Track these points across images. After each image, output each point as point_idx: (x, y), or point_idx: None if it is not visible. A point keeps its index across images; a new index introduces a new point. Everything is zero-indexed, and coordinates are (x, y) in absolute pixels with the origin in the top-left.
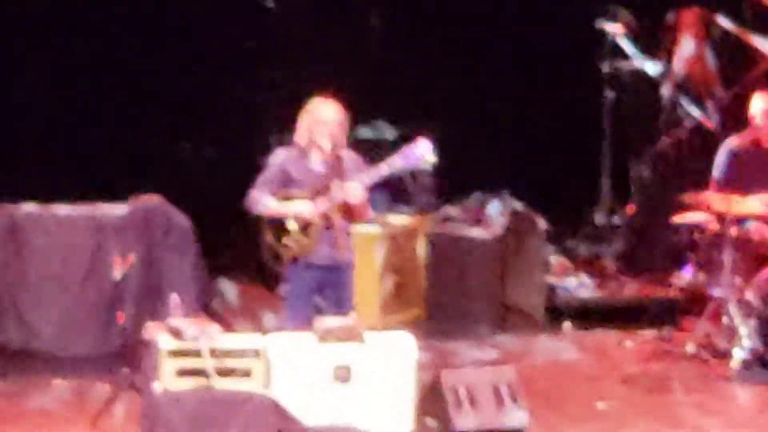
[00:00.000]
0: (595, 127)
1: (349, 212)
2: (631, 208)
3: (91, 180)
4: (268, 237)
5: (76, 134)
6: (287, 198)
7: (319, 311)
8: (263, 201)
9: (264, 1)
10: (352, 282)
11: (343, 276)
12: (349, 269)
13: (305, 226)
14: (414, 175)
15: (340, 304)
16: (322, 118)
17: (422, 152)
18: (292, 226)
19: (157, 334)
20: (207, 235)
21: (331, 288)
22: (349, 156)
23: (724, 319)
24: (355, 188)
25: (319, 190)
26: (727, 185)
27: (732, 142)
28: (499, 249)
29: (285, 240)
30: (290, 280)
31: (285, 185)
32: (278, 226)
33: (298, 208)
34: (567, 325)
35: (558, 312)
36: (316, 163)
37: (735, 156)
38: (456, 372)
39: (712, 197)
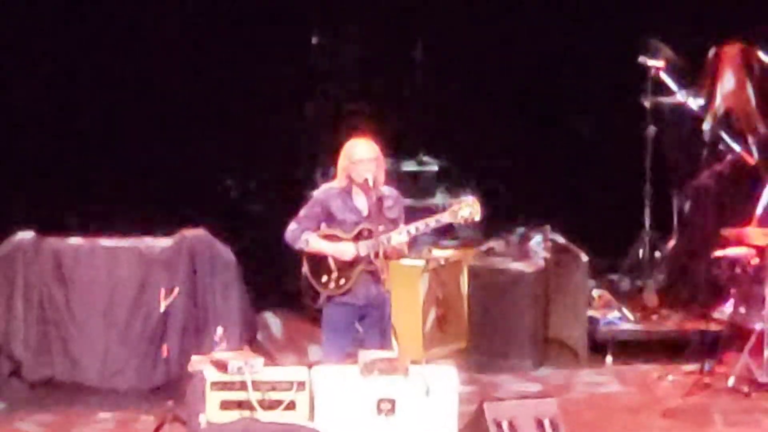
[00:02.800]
0: (637, 162)
1: (390, 255)
2: (672, 242)
3: (137, 213)
4: (306, 274)
5: (122, 168)
6: (329, 237)
7: (359, 342)
8: (304, 237)
9: (310, 37)
10: (390, 313)
11: (381, 308)
12: (387, 303)
13: (345, 268)
14: None
15: (380, 334)
16: (359, 157)
17: (471, 211)
18: (332, 265)
19: (202, 367)
20: (251, 268)
21: (369, 319)
22: (389, 194)
23: (765, 353)
24: (399, 239)
25: (362, 233)
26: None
27: None
28: (542, 283)
29: (324, 279)
30: (328, 315)
31: (326, 221)
32: (318, 263)
33: (340, 250)
34: (609, 358)
35: (600, 345)
36: (359, 202)
37: None
38: (499, 405)
39: (753, 231)
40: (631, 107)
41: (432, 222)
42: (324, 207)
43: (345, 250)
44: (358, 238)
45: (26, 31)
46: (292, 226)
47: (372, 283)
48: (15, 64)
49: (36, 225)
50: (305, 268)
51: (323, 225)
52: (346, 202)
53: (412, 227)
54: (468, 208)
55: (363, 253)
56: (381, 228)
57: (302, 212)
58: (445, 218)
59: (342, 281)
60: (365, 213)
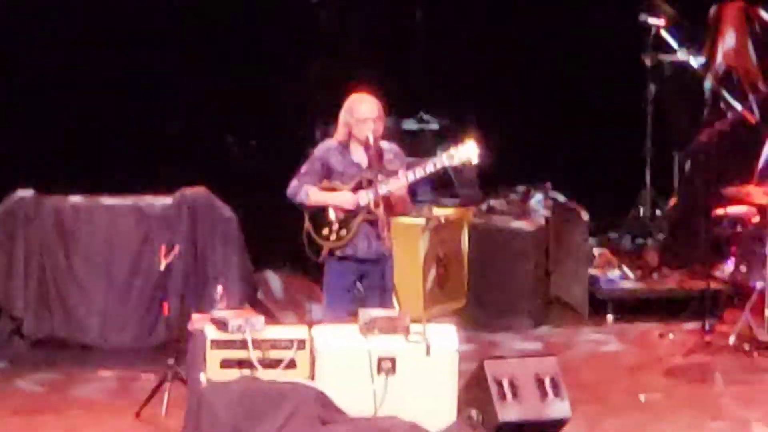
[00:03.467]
0: (638, 120)
1: (391, 207)
2: (673, 201)
3: (137, 171)
4: (308, 227)
5: (122, 127)
6: (329, 189)
7: (360, 300)
8: (305, 190)
9: None
10: (392, 272)
11: (382, 267)
12: (389, 260)
13: (346, 219)
14: (458, 167)
15: (381, 293)
16: (360, 114)
17: (468, 153)
18: (332, 217)
19: (202, 325)
20: (252, 226)
21: (370, 278)
22: (391, 149)
23: (766, 311)
24: (398, 184)
25: (362, 183)
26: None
27: None
28: (542, 241)
29: (325, 231)
30: (329, 272)
31: (327, 177)
32: (319, 216)
33: (339, 199)
34: (609, 317)
35: (601, 304)
36: (358, 156)
37: None
38: (499, 363)
39: (754, 190)
40: (632, 65)
41: (430, 166)
42: (324, 162)
43: (344, 198)
44: (357, 188)
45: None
46: (293, 183)
47: (373, 237)
48: (14, 23)
49: (36, 183)
50: (306, 223)
51: (325, 181)
52: (345, 156)
53: (410, 173)
54: (465, 150)
55: (363, 203)
56: (381, 178)
57: (303, 168)
58: (442, 160)
59: (343, 232)
60: (364, 165)
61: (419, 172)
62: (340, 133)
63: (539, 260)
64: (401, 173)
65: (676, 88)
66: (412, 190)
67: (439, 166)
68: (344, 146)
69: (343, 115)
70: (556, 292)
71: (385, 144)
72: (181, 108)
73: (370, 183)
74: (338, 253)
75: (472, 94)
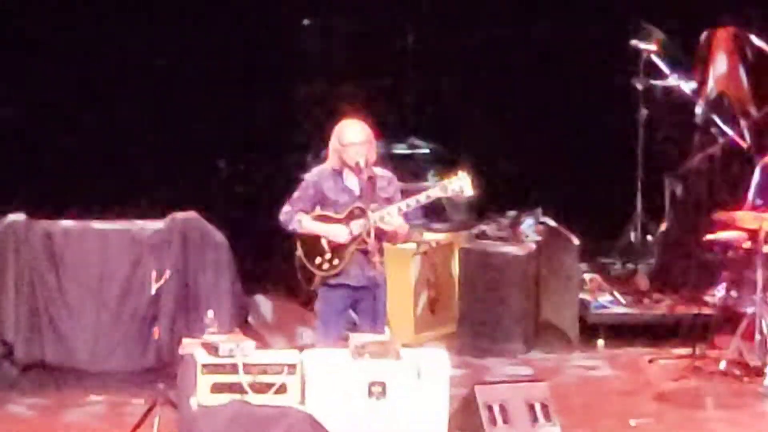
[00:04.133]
0: (629, 145)
1: (384, 235)
2: (664, 226)
3: (128, 196)
4: (300, 256)
5: (114, 150)
6: (322, 218)
7: (353, 327)
8: (297, 218)
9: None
10: (385, 298)
11: (375, 293)
12: (382, 287)
13: (339, 248)
14: None
15: (374, 320)
16: (351, 140)
17: (462, 185)
18: (325, 246)
19: (193, 350)
20: (243, 251)
21: (363, 305)
22: (384, 175)
23: (757, 337)
24: (391, 214)
25: (354, 212)
26: (757, 200)
27: (766, 160)
28: (533, 266)
29: (317, 260)
30: (322, 298)
31: (319, 204)
32: (311, 246)
33: (332, 232)
34: (600, 342)
35: (591, 329)
36: (351, 182)
37: (766, 171)
38: (490, 388)
39: (744, 215)
40: (624, 90)
41: (423, 197)
42: (317, 189)
43: (337, 232)
44: (350, 217)
45: (17, 12)
46: (285, 208)
47: (366, 264)
48: (7, 45)
49: (27, 207)
50: (299, 251)
51: (318, 208)
52: (338, 183)
53: (403, 204)
54: (458, 182)
55: (356, 232)
56: (373, 206)
57: (295, 194)
58: (435, 192)
59: (335, 261)
60: (357, 193)
61: (412, 203)
62: (331, 160)
63: (530, 285)
64: (393, 205)
65: (667, 113)
66: (405, 215)
67: (432, 197)
68: (337, 173)
69: (332, 142)
70: (547, 317)
71: (378, 170)
72: (171, 132)
73: (363, 212)
74: (331, 280)
75: (463, 118)
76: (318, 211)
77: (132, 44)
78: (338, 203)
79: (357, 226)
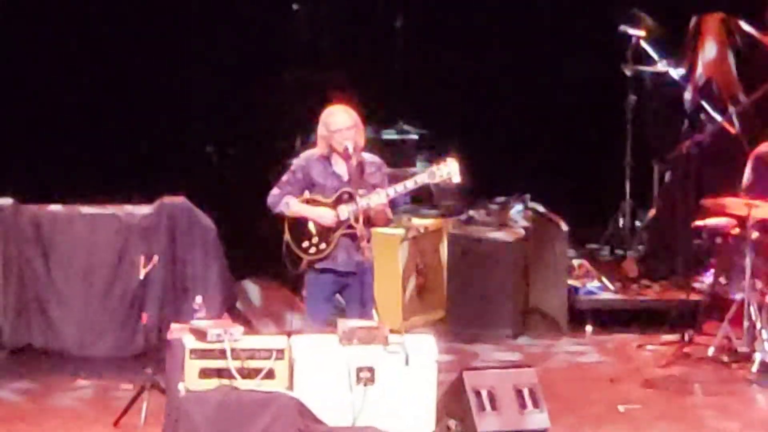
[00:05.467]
0: (618, 131)
1: (371, 220)
2: (653, 212)
3: (116, 181)
4: (288, 240)
5: (102, 135)
6: (310, 202)
7: (340, 311)
8: (285, 200)
9: (290, 4)
10: (372, 283)
11: (363, 279)
12: (369, 272)
13: (326, 232)
14: None
15: (361, 305)
16: (338, 126)
17: (449, 172)
18: (312, 230)
19: (181, 335)
20: (231, 236)
21: (351, 290)
22: (373, 161)
23: (745, 323)
24: (379, 199)
25: (342, 197)
26: (752, 190)
27: (761, 148)
28: (522, 252)
29: (304, 244)
30: (310, 284)
31: (307, 188)
32: (299, 229)
33: (319, 215)
34: (588, 328)
35: (579, 315)
36: (339, 168)
37: (760, 161)
38: (478, 374)
39: (733, 201)
40: (613, 76)
41: (411, 183)
42: (305, 173)
43: (324, 215)
44: (338, 202)
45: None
46: (273, 191)
47: (353, 249)
48: None
49: (15, 192)
50: (286, 234)
51: (306, 192)
52: (326, 168)
53: (391, 189)
54: (446, 168)
55: (343, 217)
56: (361, 192)
57: (284, 178)
58: (423, 178)
59: (322, 245)
60: (346, 178)
61: (400, 188)
62: (320, 146)
63: (518, 271)
64: (381, 190)
65: (656, 99)
66: (392, 201)
67: (420, 183)
68: (326, 158)
69: (319, 129)
70: (535, 303)
71: (367, 156)
72: (160, 117)
73: (351, 197)
74: (318, 265)
75: (452, 104)
76: (306, 195)
77: (120, 31)
78: (326, 188)
79: (345, 210)
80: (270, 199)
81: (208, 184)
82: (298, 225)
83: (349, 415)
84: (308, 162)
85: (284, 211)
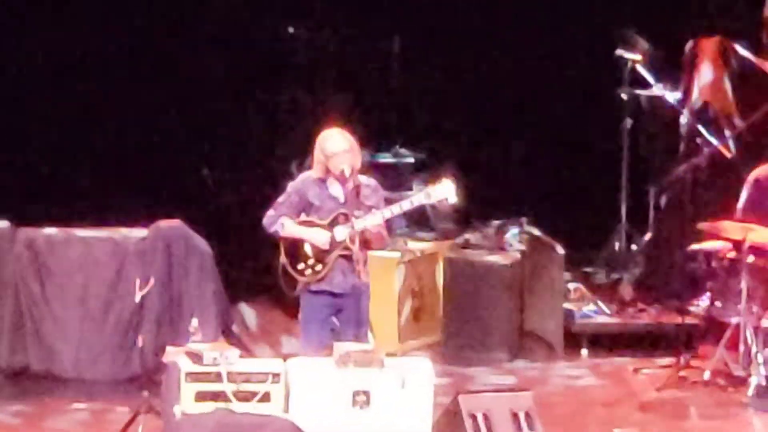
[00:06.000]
0: (614, 155)
1: (367, 241)
2: (648, 236)
3: (112, 204)
4: (284, 261)
5: (97, 158)
6: (306, 224)
7: (336, 334)
8: (280, 221)
9: (286, 27)
10: (368, 306)
11: (358, 301)
12: (365, 294)
13: (322, 254)
14: None
15: (357, 328)
16: (334, 149)
17: (445, 193)
18: (308, 251)
19: (177, 358)
20: (227, 259)
21: (346, 312)
22: (369, 183)
23: (741, 347)
24: (375, 221)
25: (338, 218)
26: (748, 214)
27: (759, 172)
28: (517, 275)
29: (300, 266)
30: (305, 305)
31: (303, 210)
32: (295, 251)
33: (314, 237)
34: (584, 351)
35: (575, 338)
36: (335, 190)
37: (756, 185)
38: (474, 397)
39: (729, 225)
40: (608, 100)
41: (407, 204)
42: (301, 195)
43: (319, 236)
44: (334, 223)
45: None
46: (269, 212)
47: (349, 271)
48: None
49: (10, 214)
50: (282, 256)
51: (303, 214)
52: (322, 190)
53: (387, 210)
54: (442, 189)
55: (339, 239)
56: (357, 213)
57: (280, 199)
58: (419, 198)
59: (318, 267)
60: (342, 200)
61: (396, 209)
62: (316, 170)
63: (514, 294)
64: (377, 211)
65: (652, 122)
66: (389, 223)
67: (416, 203)
68: (322, 180)
69: (316, 153)
70: (531, 326)
71: (363, 178)
72: (155, 140)
73: (347, 218)
74: (314, 287)
75: (448, 127)
76: (303, 217)
77: (119, 51)
78: (322, 210)
79: (341, 232)
80: (265, 220)
81: (204, 208)
82: (294, 247)
83: None
84: (304, 184)
85: (279, 231)
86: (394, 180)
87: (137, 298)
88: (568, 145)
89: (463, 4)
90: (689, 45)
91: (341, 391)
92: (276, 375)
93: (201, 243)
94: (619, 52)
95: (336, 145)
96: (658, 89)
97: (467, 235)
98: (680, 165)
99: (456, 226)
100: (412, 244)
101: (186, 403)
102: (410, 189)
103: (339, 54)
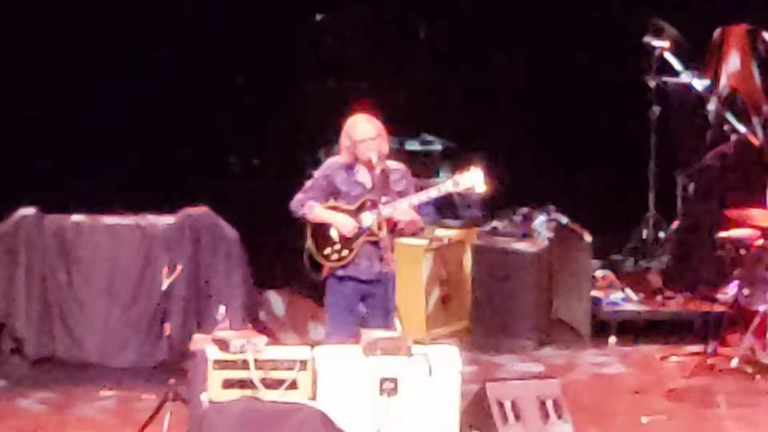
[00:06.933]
0: (642, 142)
1: (395, 228)
2: (676, 223)
3: (140, 191)
4: (310, 246)
5: (125, 145)
6: (332, 208)
7: (362, 321)
8: (308, 204)
9: (313, 14)
10: (394, 293)
11: (385, 288)
12: (391, 281)
13: (348, 239)
14: None
15: (383, 315)
16: (359, 136)
17: (474, 181)
18: (334, 236)
19: (204, 346)
20: (254, 246)
21: (373, 299)
22: (396, 168)
23: None
24: (402, 207)
25: (365, 204)
26: None
27: None
28: (545, 263)
29: (326, 251)
30: (331, 292)
31: (332, 195)
32: (321, 235)
33: (340, 222)
34: (612, 339)
35: (603, 326)
36: (363, 176)
37: None
38: (501, 385)
39: (757, 212)
40: (636, 87)
41: (434, 191)
42: (329, 180)
43: (345, 222)
44: (361, 209)
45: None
46: (297, 196)
47: (376, 258)
48: (16, 39)
49: (38, 201)
50: (308, 241)
51: (330, 200)
52: (350, 176)
53: (415, 197)
54: (470, 177)
55: (366, 224)
56: (385, 199)
57: (308, 184)
58: (447, 187)
59: (345, 252)
60: (369, 186)
61: (423, 197)
62: (343, 156)
63: (542, 282)
64: (404, 198)
65: (679, 110)
66: (416, 209)
67: (443, 191)
68: (350, 165)
69: (343, 139)
70: (559, 314)
71: (392, 164)
72: (184, 128)
73: (374, 204)
74: (340, 272)
75: (475, 114)
76: (330, 202)
77: (144, 39)
78: (350, 195)
79: (367, 218)
80: (293, 204)
81: (232, 195)
82: (321, 231)
83: (372, 427)
84: (332, 169)
85: (306, 214)
86: (421, 167)
87: (164, 286)
88: (596, 132)
89: None
90: (717, 32)
91: (368, 379)
92: (303, 362)
93: (228, 230)
94: (647, 39)
95: (364, 131)
96: (685, 77)
97: (495, 223)
98: (708, 152)
99: (483, 214)
100: (440, 232)
101: (213, 390)
102: (437, 177)
103: (366, 41)
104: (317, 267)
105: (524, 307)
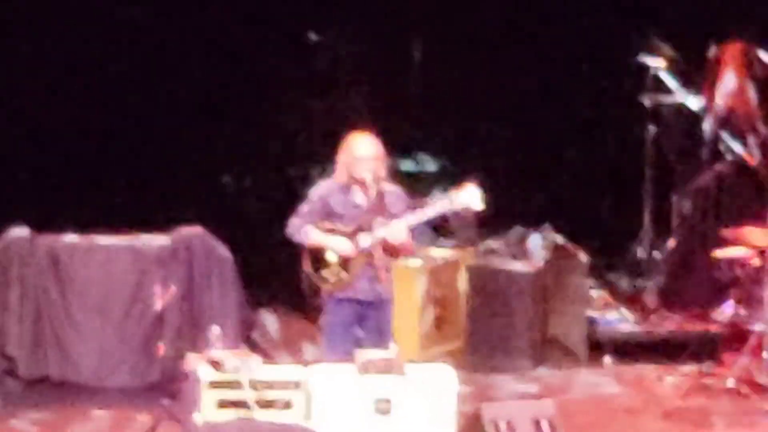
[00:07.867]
0: (637, 161)
1: (392, 249)
2: (672, 243)
3: (133, 211)
4: (307, 267)
5: (119, 165)
6: (330, 231)
7: (359, 343)
8: (305, 229)
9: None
10: (392, 315)
11: (382, 310)
12: (389, 303)
13: (346, 261)
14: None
15: (380, 337)
16: (360, 154)
17: (470, 199)
18: (332, 259)
19: (198, 366)
20: (248, 266)
21: (370, 321)
22: (392, 190)
23: (765, 354)
24: (398, 228)
25: (362, 225)
26: None
27: None
28: (540, 282)
29: (324, 273)
30: (329, 312)
31: (327, 217)
32: (318, 257)
33: (338, 245)
34: (607, 359)
35: (599, 346)
36: (359, 197)
37: None
38: (496, 405)
39: (753, 232)
40: (631, 106)
41: (431, 210)
42: (324, 202)
43: (342, 244)
44: (357, 231)
45: (21, 28)
46: (294, 221)
47: (373, 279)
48: (9, 60)
49: (31, 222)
50: (306, 263)
51: (326, 222)
52: (346, 198)
53: (411, 217)
54: (467, 194)
55: (362, 246)
56: (381, 221)
57: (303, 207)
58: (444, 205)
59: (343, 274)
60: (365, 207)
61: (419, 216)
62: (339, 173)
63: (537, 302)
64: (401, 216)
65: (675, 129)
66: (413, 231)
67: (440, 210)
68: (345, 187)
69: (342, 155)
70: (554, 334)
71: (387, 186)
72: (176, 147)
73: (370, 226)
74: (339, 294)
75: (470, 134)
76: (327, 224)
77: (138, 55)
78: (346, 217)
79: (364, 239)
80: (290, 229)
81: (225, 215)
82: (318, 254)
83: None
84: (328, 191)
85: (303, 240)
86: (415, 187)
87: (158, 306)
88: (591, 151)
89: (486, 10)
90: (712, 51)
91: (363, 399)
92: (298, 382)
93: (222, 250)
94: (642, 57)
95: (364, 149)
96: (681, 96)
97: (490, 243)
98: (703, 172)
99: (478, 234)
100: (434, 252)
101: (207, 411)
102: (431, 196)
103: (360, 60)
104: (315, 289)
105: (519, 326)
